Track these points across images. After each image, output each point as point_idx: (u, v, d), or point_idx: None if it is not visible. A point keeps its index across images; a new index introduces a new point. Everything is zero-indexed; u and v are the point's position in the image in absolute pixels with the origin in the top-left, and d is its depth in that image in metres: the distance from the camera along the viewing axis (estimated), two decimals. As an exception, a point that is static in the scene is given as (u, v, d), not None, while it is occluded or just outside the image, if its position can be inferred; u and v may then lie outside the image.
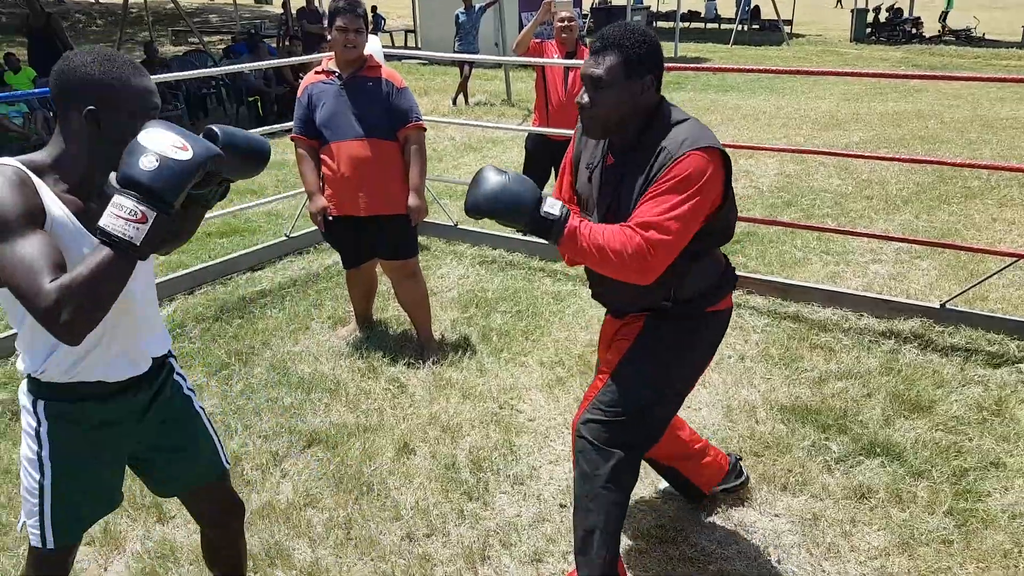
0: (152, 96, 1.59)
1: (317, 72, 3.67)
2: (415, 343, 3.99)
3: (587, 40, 5.31)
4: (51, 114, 8.63)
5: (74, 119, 1.54)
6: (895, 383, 3.55)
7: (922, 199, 6.52)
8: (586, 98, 2.05)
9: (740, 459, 2.87)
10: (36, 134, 8.09)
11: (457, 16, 11.79)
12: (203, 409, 1.98)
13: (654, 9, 25.37)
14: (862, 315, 4.26)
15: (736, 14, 22.41)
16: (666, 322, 2.22)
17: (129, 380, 1.73)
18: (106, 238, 1.37)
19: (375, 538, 2.64)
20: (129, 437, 1.81)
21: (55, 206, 1.52)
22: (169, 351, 1.89)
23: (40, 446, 1.70)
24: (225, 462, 1.99)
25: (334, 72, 3.61)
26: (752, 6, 24.11)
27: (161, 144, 1.39)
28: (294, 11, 14.71)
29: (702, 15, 25.60)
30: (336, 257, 5.29)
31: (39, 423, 1.70)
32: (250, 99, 10.34)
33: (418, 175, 3.65)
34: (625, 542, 2.58)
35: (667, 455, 2.63)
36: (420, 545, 2.62)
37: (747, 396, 3.49)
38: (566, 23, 5.14)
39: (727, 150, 2.06)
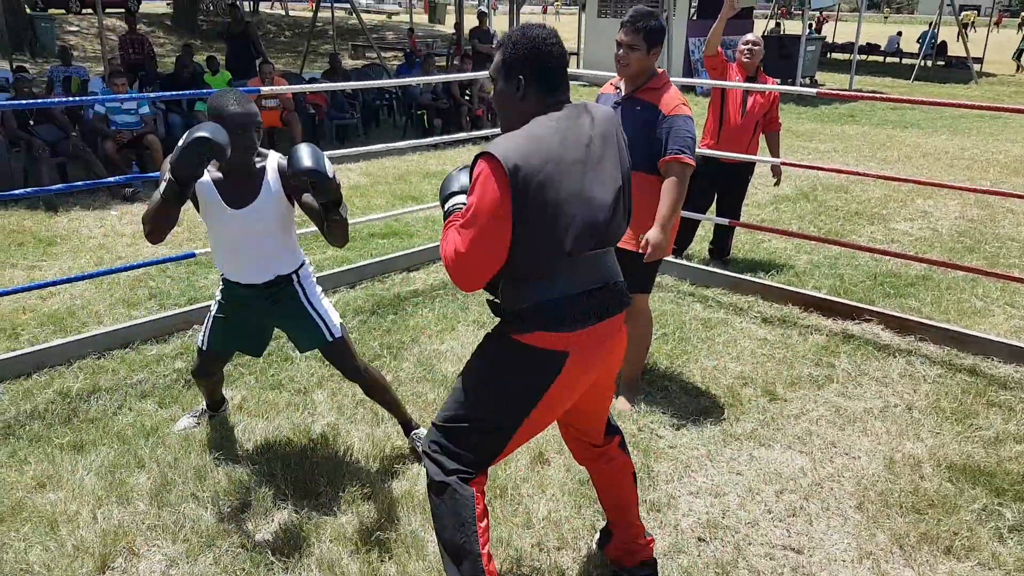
0: (240, 117, 2.59)
1: (613, 82, 3.49)
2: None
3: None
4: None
5: None
6: (1090, 455, 3.17)
7: None
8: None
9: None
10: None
11: (623, 39, 11.75)
12: (312, 305, 2.90)
13: (830, 40, 24.28)
14: (1052, 376, 3.84)
15: (920, 49, 21.07)
16: (494, 337, 2.11)
17: (256, 284, 2.84)
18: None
19: (507, 540, 2.63)
20: (262, 313, 2.93)
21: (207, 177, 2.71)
22: (294, 272, 2.88)
23: (217, 290, 2.98)
24: (328, 335, 2.90)
25: (619, 88, 3.40)
26: (938, 41, 22.58)
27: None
28: (467, 31, 15.22)
29: (882, 48, 24.26)
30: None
31: (222, 285, 2.94)
32: (418, 112, 10.78)
33: (667, 208, 3.21)
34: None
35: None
36: (551, 556, 2.59)
37: (912, 449, 3.21)
38: (749, 46, 5.00)
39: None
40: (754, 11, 20.42)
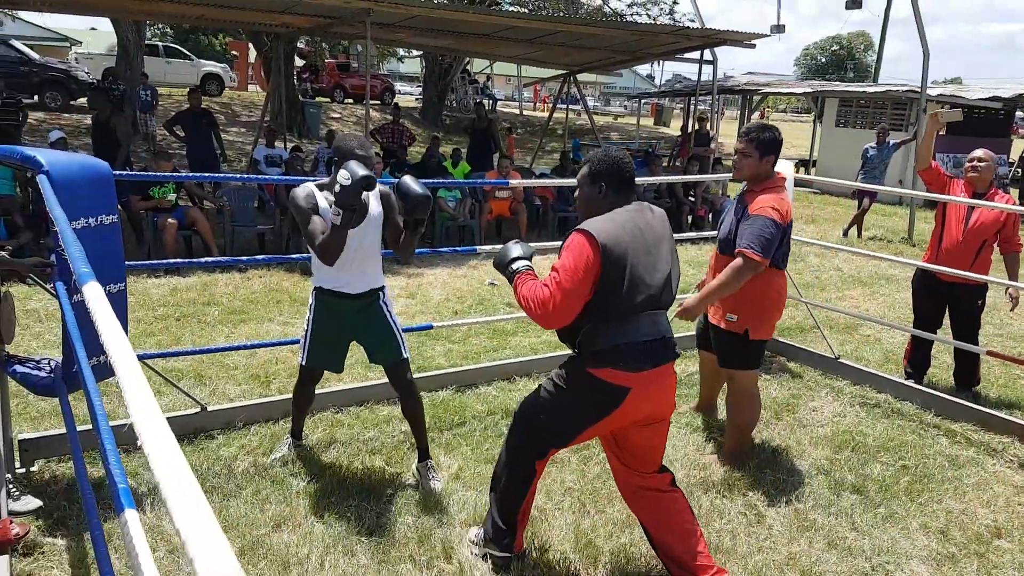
0: (371, 160, 3.19)
1: None
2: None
3: (1008, 187, 4.75)
4: (474, 202, 10.01)
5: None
6: None
7: None
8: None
9: None
10: (463, 216, 9.41)
11: (866, 150, 11.30)
12: (395, 322, 3.46)
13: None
14: None
15: None
16: (566, 364, 2.68)
17: (355, 295, 3.34)
18: (331, 222, 3.06)
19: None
20: (350, 327, 3.41)
21: (323, 202, 3.23)
22: (382, 287, 3.43)
23: (310, 311, 3.44)
24: (403, 353, 3.46)
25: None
26: None
27: (341, 178, 2.93)
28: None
29: None
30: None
31: (313, 301, 3.41)
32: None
33: (712, 286, 3.60)
34: None
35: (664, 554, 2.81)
36: None
37: None
38: (974, 163, 4.67)
39: None
40: (1015, 129, 18.86)
